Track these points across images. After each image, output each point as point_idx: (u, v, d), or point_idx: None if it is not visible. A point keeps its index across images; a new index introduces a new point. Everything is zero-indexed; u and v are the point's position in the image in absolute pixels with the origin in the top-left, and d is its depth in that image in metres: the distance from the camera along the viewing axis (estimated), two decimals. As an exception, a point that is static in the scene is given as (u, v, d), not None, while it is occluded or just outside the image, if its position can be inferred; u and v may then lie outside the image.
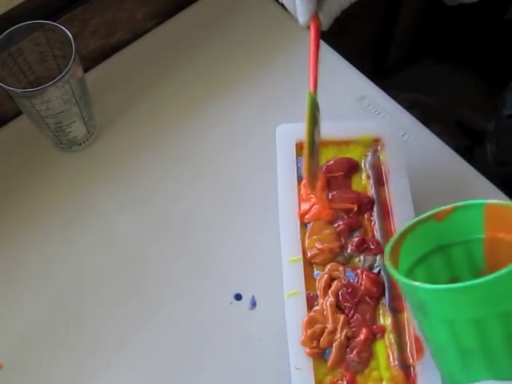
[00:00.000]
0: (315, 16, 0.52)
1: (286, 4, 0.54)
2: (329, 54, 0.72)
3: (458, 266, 0.49)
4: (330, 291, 0.53)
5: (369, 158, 0.59)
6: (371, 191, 0.58)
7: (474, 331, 0.41)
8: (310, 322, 0.52)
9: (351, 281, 0.53)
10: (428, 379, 0.50)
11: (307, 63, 0.53)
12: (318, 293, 0.53)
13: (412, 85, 1.01)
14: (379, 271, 0.54)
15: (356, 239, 0.55)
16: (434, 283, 0.41)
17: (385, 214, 0.57)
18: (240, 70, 0.73)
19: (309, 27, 0.53)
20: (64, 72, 0.59)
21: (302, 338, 0.51)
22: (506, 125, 0.86)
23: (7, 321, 0.60)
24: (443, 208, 0.49)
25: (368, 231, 0.56)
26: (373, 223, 0.57)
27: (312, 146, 0.52)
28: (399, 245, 0.47)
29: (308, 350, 0.51)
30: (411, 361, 0.50)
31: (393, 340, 0.51)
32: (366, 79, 0.71)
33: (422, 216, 0.48)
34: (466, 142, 0.99)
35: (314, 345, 0.51)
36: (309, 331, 0.51)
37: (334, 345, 0.51)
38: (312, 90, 0.53)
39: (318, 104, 0.53)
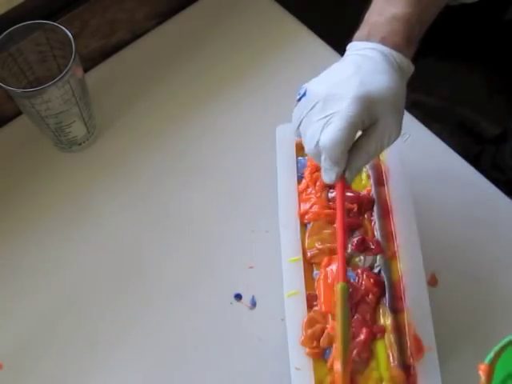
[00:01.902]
0: (340, 177, 0.49)
1: (310, 155, 0.50)
2: (329, 54, 0.72)
3: None
4: None
5: (369, 158, 0.59)
6: (371, 191, 0.58)
7: None
8: (310, 322, 0.52)
9: (351, 281, 0.53)
10: (428, 379, 0.50)
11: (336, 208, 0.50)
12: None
13: (412, 85, 1.01)
14: (379, 271, 0.54)
15: (356, 239, 0.55)
16: None
17: (385, 214, 0.57)
18: (240, 70, 0.73)
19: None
20: (64, 72, 0.59)
21: (302, 338, 0.51)
22: None
23: (7, 321, 0.60)
24: None
25: (368, 231, 0.56)
26: (373, 223, 0.57)
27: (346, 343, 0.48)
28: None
29: (308, 350, 0.51)
30: (411, 361, 0.50)
31: (393, 340, 0.51)
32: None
33: None
34: (467, 141, 0.99)
35: (314, 345, 0.51)
36: (309, 331, 0.51)
37: (334, 345, 0.51)
38: (342, 279, 0.48)
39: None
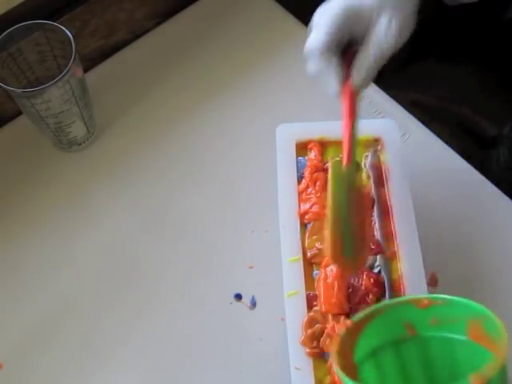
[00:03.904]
0: (347, 82, 0.49)
1: (315, 75, 0.50)
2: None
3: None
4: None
5: (369, 158, 0.59)
6: (371, 191, 0.58)
7: None
8: (310, 322, 0.52)
9: (351, 281, 0.53)
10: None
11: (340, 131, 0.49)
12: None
13: (412, 85, 1.01)
14: (379, 271, 0.54)
15: (356, 239, 0.55)
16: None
17: (385, 214, 0.57)
18: (240, 70, 0.73)
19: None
20: (64, 72, 0.59)
21: (302, 338, 0.51)
22: None
23: (7, 321, 0.60)
24: (431, 296, 0.46)
25: (368, 231, 0.56)
26: (373, 223, 0.57)
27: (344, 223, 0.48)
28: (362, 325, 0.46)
29: (308, 350, 0.51)
30: (411, 361, 0.50)
31: (393, 340, 0.51)
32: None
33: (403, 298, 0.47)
34: (466, 141, 0.99)
35: (314, 345, 0.51)
36: (309, 331, 0.51)
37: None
38: (345, 163, 0.49)
39: (353, 176, 0.49)
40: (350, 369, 0.44)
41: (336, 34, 0.49)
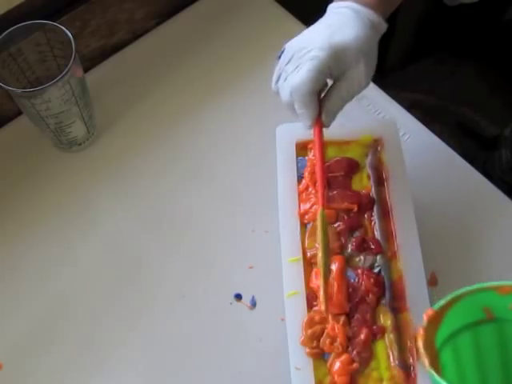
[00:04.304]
0: (318, 118, 0.53)
1: (286, 107, 0.54)
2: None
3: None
4: None
5: (369, 157, 0.59)
6: (371, 191, 0.58)
7: None
8: (310, 322, 0.52)
9: (351, 281, 0.53)
10: (428, 379, 0.50)
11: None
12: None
13: (412, 85, 1.01)
14: (379, 271, 0.54)
15: (356, 239, 0.55)
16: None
17: (385, 214, 0.57)
18: (240, 70, 0.73)
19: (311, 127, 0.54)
20: (64, 72, 0.59)
21: (302, 338, 0.51)
22: None
23: (7, 321, 0.60)
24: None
25: (368, 231, 0.56)
26: (373, 223, 0.57)
27: (327, 270, 0.51)
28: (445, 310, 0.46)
29: (308, 350, 0.51)
30: (411, 361, 0.51)
31: (393, 340, 0.51)
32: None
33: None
34: (467, 142, 0.99)
35: (314, 345, 0.51)
36: (309, 331, 0.51)
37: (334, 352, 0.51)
38: (321, 204, 0.53)
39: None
40: (434, 357, 0.45)
41: (322, 79, 0.52)
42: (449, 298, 0.46)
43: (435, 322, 0.46)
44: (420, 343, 0.44)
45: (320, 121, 0.53)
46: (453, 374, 0.46)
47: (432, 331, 0.45)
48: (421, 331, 0.45)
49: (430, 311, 0.46)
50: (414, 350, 0.50)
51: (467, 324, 0.47)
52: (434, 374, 0.42)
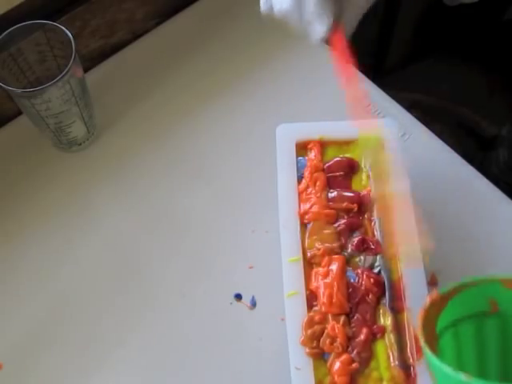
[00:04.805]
0: (336, 26, 0.45)
1: (293, 23, 0.48)
2: (329, 54, 0.72)
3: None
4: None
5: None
6: (371, 191, 0.58)
7: None
8: (310, 322, 0.52)
9: (351, 281, 0.53)
10: (428, 379, 0.50)
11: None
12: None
13: (412, 85, 1.01)
14: (379, 271, 0.54)
15: (356, 239, 0.55)
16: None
17: (385, 214, 0.57)
18: (240, 70, 0.73)
19: (326, 43, 0.47)
20: (64, 72, 0.59)
21: (302, 338, 0.51)
22: None
23: (7, 321, 0.60)
24: None
25: (368, 231, 0.56)
26: (373, 223, 0.57)
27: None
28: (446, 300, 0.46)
29: (308, 350, 0.51)
30: (411, 361, 0.50)
31: (393, 340, 0.51)
32: (366, 79, 0.71)
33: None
34: (466, 141, 0.99)
35: (314, 345, 0.51)
36: (309, 331, 0.51)
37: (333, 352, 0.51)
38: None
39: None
40: (432, 339, 0.45)
41: None
42: (455, 284, 0.46)
43: (438, 305, 0.46)
44: (419, 321, 0.44)
45: (339, 26, 0.45)
46: (450, 359, 0.46)
47: (433, 314, 0.45)
48: (422, 311, 0.45)
49: (434, 294, 0.45)
50: (415, 349, 0.50)
51: (471, 314, 0.47)
52: (428, 350, 0.41)
